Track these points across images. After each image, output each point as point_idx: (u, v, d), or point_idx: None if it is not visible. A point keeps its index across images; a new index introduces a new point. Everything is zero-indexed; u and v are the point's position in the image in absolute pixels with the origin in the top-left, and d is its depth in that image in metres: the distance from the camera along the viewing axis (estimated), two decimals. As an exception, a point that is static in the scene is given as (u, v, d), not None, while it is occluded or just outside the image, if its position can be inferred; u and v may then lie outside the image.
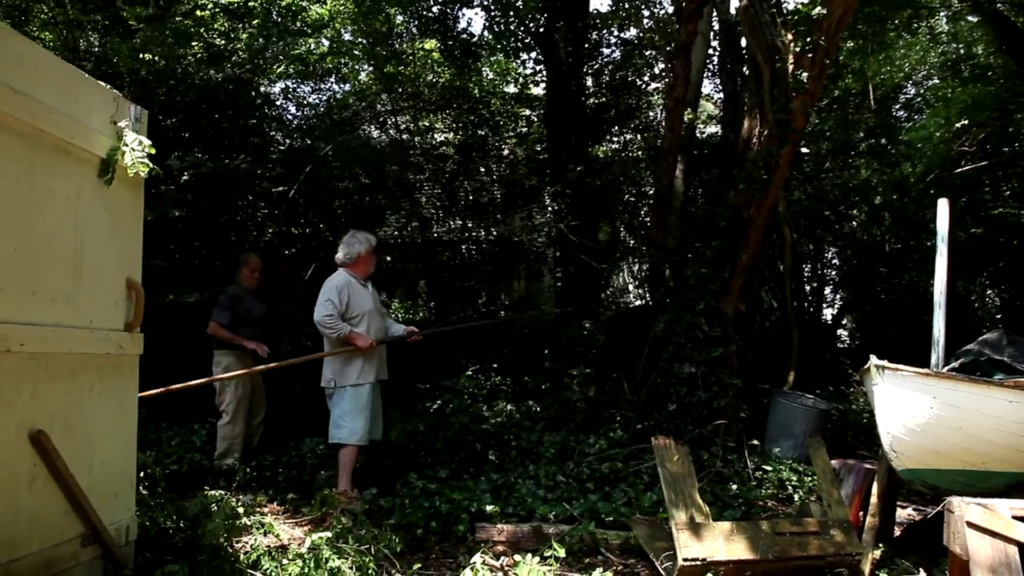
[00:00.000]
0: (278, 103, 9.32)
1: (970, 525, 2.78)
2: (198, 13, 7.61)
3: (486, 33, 9.96)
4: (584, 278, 8.54)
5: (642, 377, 6.14)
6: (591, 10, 9.54)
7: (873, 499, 4.04)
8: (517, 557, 3.50)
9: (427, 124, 10.61)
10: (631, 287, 12.58)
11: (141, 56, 6.56)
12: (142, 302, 3.10)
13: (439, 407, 6.09)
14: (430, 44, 10.38)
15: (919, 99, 11.82)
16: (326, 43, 10.05)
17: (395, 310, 8.60)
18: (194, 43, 7.34)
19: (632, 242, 10.57)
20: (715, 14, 9.38)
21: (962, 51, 11.26)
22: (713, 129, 12.02)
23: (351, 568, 3.32)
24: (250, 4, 8.01)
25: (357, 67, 10.46)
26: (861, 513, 4.16)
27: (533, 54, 10.00)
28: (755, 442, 5.78)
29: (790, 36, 6.20)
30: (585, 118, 9.20)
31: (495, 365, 7.15)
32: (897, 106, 11.80)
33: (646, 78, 10.40)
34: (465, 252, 10.18)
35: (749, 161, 6.33)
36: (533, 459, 5.39)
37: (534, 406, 6.39)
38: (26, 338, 2.47)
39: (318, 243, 7.43)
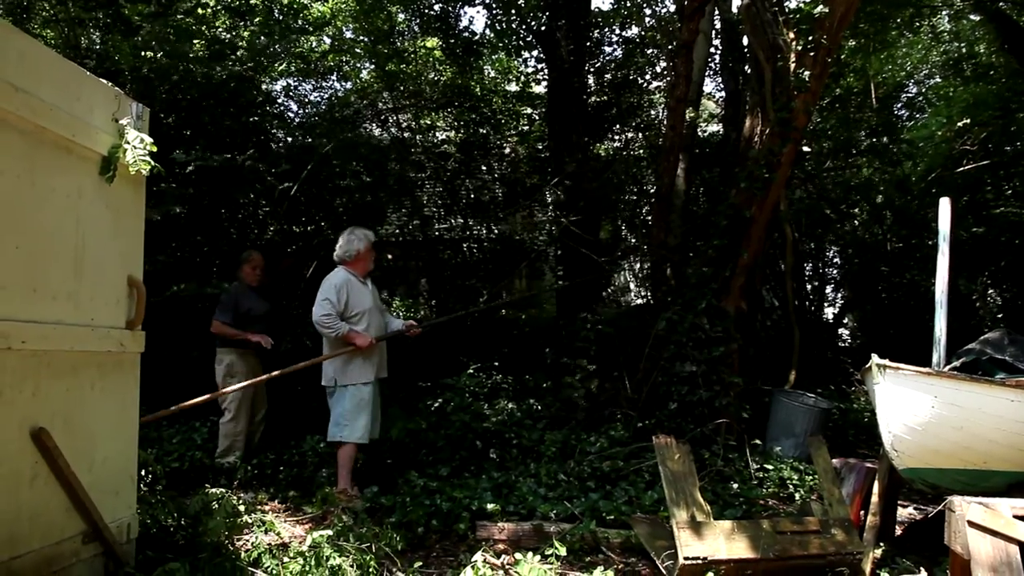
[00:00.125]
0: (280, 101, 9.32)
1: (971, 524, 2.78)
2: (200, 11, 7.61)
3: (488, 31, 9.95)
4: (585, 276, 8.54)
5: (643, 376, 6.15)
6: (593, 8, 9.54)
7: (874, 498, 4.04)
8: (518, 555, 3.50)
9: (428, 122, 10.60)
10: (632, 286, 12.59)
11: (143, 54, 6.56)
12: (143, 300, 3.10)
13: (440, 405, 6.09)
14: (432, 42, 10.37)
15: (921, 98, 11.80)
16: (328, 41, 10.05)
17: (396, 308, 8.58)
18: (196, 41, 7.34)
19: (634, 240, 10.57)
20: (717, 12, 9.36)
21: (964, 50, 11.24)
22: (715, 128, 12.02)
23: (352, 566, 3.32)
24: (252, 2, 8.00)
25: (358, 65, 10.45)
26: (862, 512, 4.16)
27: (535, 52, 10.00)
28: (756, 441, 5.78)
29: (792, 35, 6.19)
30: (587, 116, 9.19)
31: (496, 363, 7.16)
32: (899, 105, 11.78)
33: (648, 76, 10.39)
34: (466, 250, 10.18)
35: (751, 160, 6.33)
36: (534, 457, 5.39)
37: (535, 404, 6.39)
38: (28, 336, 2.48)
39: (319, 241, 7.43)
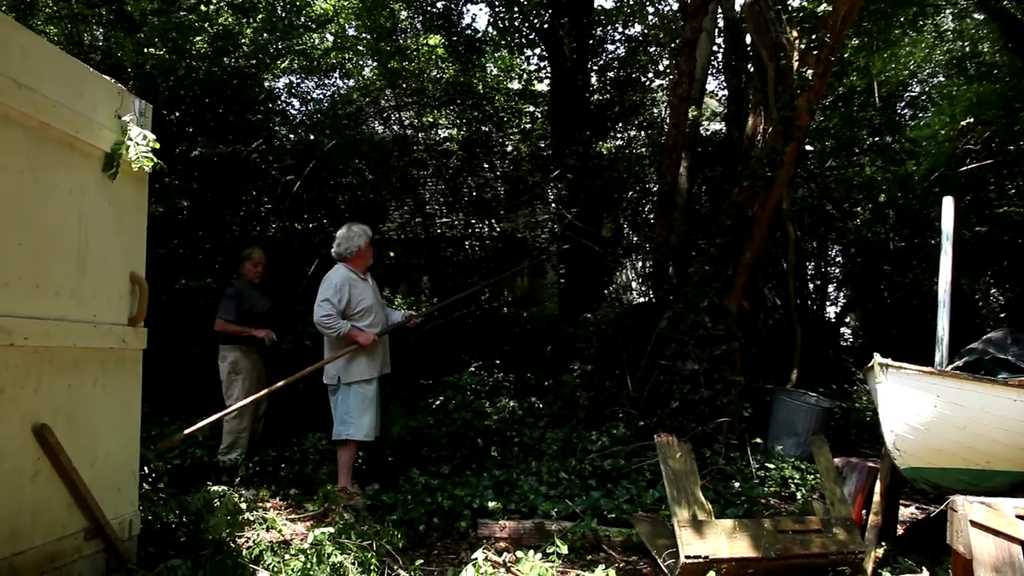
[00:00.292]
0: (282, 98, 9.33)
1: (973, 524, 2.77)
2: (202, 8, 7.60)
3: (490, 29, 9.94)
4: (587, 274, 8.54)
5: (645, 374, 6.14)
6: (596, 6, 9.53)
7: (876, 497, 4.03)
8: (519, 553, 3.50)
9: (431, 120, 10.60)
10: (634, 284, 12.59)
11: (146, 50, 6.57)
12: (146, 296, 3.10)
13: (442, 403, 6.09)
14: (434, 40, 10.36)
15: (924, 97, 11.79)
16: (330, 38, 10.05)
17: (398, 306, 8.60)
18: (198, 38, 7.34)
19: (636, 239, 10.57)
20: (720, 11, 9.35)
21: (967, 49, 11.22)
22: (717, 126, 12.00)
23: (353, 564, 3.32)
24: (254, -1, 8.01)
25: (361, 62, 10.46)
26: (864, 511, 4.15)
27: (537, 50, 9.98)
28: (758, 440, 5.77)
29: (795, 33, 6.18)
30: (589, 114, 9.19)
31: (497, 361, 7.16)
32: (902, 104, 11.77)
33: (650, 75, 10.39)
34: (468, 248, 10.18)
35: (753, 158, 6.32)
36: (535, 455, 5.39)
37: (536, 402, 6.40)
38: (30, 332, 2.48)
39: (322, 238, 7.43)
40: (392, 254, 10.00)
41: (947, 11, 10.88)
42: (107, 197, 2.91)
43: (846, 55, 9.49)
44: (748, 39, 8.35)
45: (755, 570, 3.45)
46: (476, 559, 3.37)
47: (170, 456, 5.13)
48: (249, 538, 3.69)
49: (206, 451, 5.39)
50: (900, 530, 4.46)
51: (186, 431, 4.64)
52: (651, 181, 10.02)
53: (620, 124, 10.36)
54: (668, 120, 7.72)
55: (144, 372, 3.16)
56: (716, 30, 9.54)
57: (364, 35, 9.98)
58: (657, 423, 5.68)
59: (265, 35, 7.97)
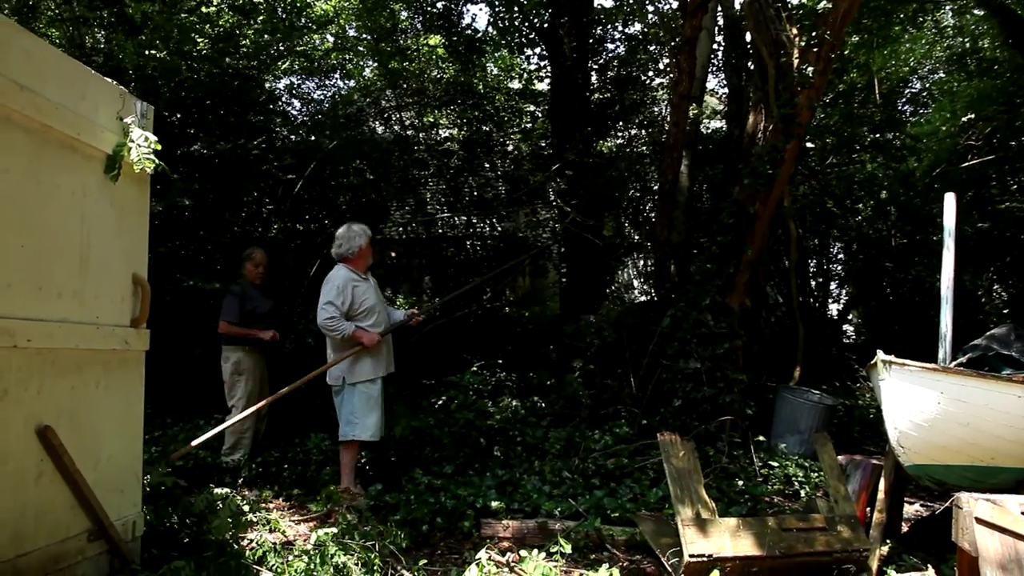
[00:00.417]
0: (283, 99, 9.33)
1: (979, 521, 2.76)
2: (203, 9, 7.61)
3: (490, 29, 9.95)
4: (589, 273, 8.54)
5: (647, 373, 6.14)
6: (595, 5, 9.52)
7: (880, 495, 4.02)
8: (523, 553, 3.50)
9: (431, 120, 10.59)
10: (636, 283, 12.59)
11: (147, 52, 6.57)
12: (148, 298, 3.10)
13: (444, 403, 6.09)
14: (435, 40, 10.36)
15: (925, 93, 11.77)
16: (331, 39, 10.05)
17: (399, 306, 8.61)
18: (199, 40, 7.34)
19: (637, 238, 10.56)
20: (719, 9, 9.35)
21: (968, 45, 11.21)
22: (718, 124, 12.00)
23: (356, 564, 3.32)
24: (255, 0, 8.00)
25: (362, 63, 10.46)
26: (868, 509, 4.15)
27: (537, 49, 9.98)
28: (761, 438, 5.77)
29: (795, 30, 6.18)
30: (589, 113, 9.18)
31: (500, 361, 7.16)
32: (903, 100, 11.76)
33: (650, 73, 10.37)
34: (470, 248, 10.18)
35: (754, 156, 6.31)
36: (538, 455, 5.39)
37: (539, 402, 6.40)
38: (33, 334, 2.48)
39: (323, 239, 7.43)
40: (393, 254, 10.01)
41: (947, 7, 10.86)
42: (109, 199, 2.91)
43: (846, 52, 9.48)
44: (748, 37, 8.34)
45: (759, 568, 3.45)
46: (480, 559, 3.37)
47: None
48: (252, 539, 3.69)
49: (209, 452, 5.38)
50: (905, 528, 4.45)
51: (194, 442, 4.65)
52: (652, 180, 10.02)
53: (621, 123, 10.35)
54: (669, 118, 7.72)
55: (146, 373, 3.17)
56: (716, 28, 9.54)
57: (364, 36, 9.98)
58: (660, 422, 5.68)
59: (266, 36, 7.96)
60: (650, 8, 9.94)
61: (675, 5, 9.70)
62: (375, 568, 3.36)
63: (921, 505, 5.09)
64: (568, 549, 3.71)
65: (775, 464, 5.40)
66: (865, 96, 10.62)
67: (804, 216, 9.55)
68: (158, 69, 6.55)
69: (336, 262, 5.07)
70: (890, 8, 9.23)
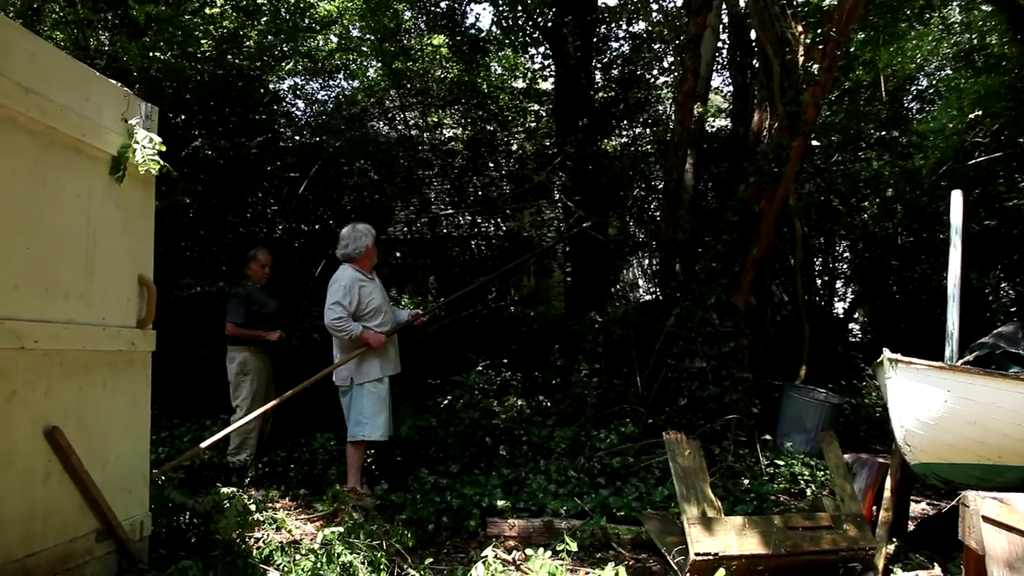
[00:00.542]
0: (287, 100, 9.35)
1: (986, 519, 2.75)
2: (207, 11, 7.63)
3: (494, 28, 9.95)
4: (594, 272, 8.53)
5: (653, 371, 6.13)
6: (599, 4, 9.51)
7: (886, 493, 4.01)
8: (529, 552, 3.50)
9: (436, 120, 10.60)
10: (641, 281, 12.57)
11: (151, 54, 6.59)
12: (154, 298, 3.11)
13: (450, 402, 6.10)
14: (438, 40, 10.37)
15: (931, 90, 11.71)
16: (334, 40, 10.07)
17: (405, 306, 8.63)
18: (203, 41, 7.36)
19: (642, 236, 10.55)
20: (724, 7, 9.32)
21: (975, 41, 11.13)
22: (723, 122, 11.98)
23: (363, 563, 3.33)
24: (259, 1, 8.02)
25: (365, 63, 10.47)
26: (874, 508, 4.13)
27: (541, 49, 9.98)
28: (767, 436, 5.76)
29: (800, 28, 6.15)
30: (594, 112, 9.18)
31: (505, 360, 7.16)
32: (909, 97, 11.69)
33: (655, 72, 10.36)
34: (475, 247, 10.18)
35: (759, 154, 6.29)
36: (544, 454, 5.39)
37: (544, 401, 6.40)
38: (40, 335, 2.49)
39: (328, 239, 7.45)
40: (398, 254, 10.01)
41: (954, 3, 10.82)
42: (114, 200, 2.92)
43: (852, 49, 9.45)
44: (753, 34, 8.33)
45: (765, 567, 3.44)
46: (486, 557, 3.37)
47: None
48: (259, 539, 3.70)
49: (215, 452, 5.40)
50: (911, 526, 4.44)
51: (203, 444, 4.66)
52: (657, 178, 10.00)
53: (625, 121, 10.35)
54: (673, 117, 7.71)
55: (152, 375, 3.18)
56: (721, 26, 9.52)
57: (368, 36, 10.00)
58: (665, 420, 5.68)
59: (270, 37, 7.99)
60: (654, 6, 9.94)
61: (679, 3, 9.71)
62: (381, 567, 3.37)
63: (927, 503, 5.07)
64: (574, 548, 3.72)
65: (781, 463, 5.39)
66: (871, 93, 10.56)
67: (810, 214, 9.51)
68: (162, 70, 6.57)
69: (341, 262, 5.07)
70: (896, 4, 9.20)
